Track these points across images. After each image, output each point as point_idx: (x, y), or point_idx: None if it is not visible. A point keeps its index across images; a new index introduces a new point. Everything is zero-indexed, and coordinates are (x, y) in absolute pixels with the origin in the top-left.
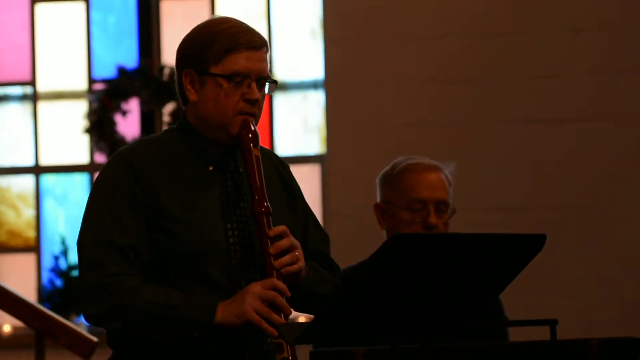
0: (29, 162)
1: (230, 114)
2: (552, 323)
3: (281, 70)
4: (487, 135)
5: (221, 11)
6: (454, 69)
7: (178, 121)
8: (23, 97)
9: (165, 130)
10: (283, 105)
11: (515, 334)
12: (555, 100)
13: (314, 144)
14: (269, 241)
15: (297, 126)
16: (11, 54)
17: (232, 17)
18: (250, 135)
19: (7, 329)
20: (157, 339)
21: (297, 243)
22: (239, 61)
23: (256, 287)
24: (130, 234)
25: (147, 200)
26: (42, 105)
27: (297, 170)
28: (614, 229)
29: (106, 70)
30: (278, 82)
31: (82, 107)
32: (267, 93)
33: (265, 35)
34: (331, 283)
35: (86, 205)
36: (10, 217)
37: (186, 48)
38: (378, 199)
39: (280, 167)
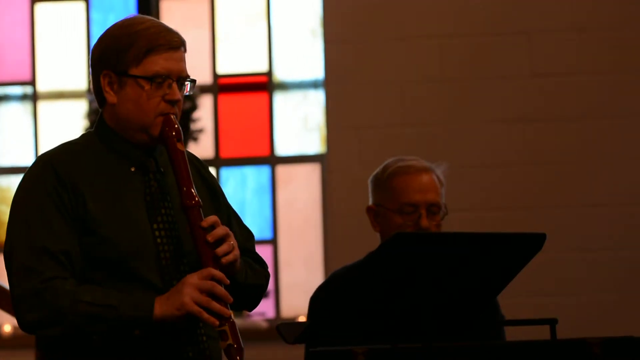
0: (29, 162)
1: (152, 116)
2: (552, 322)
3: (281, 69)
4: (486, 134)
5: (221, 11)
6: (454, 68)
7: (95, 124)
8: (23, 97)
9: (83, 135)
10: (283, 105)
11: (515, 334)
12: (554, 99)
13: (314, 144)
14: (204, 232)
15: (297, 126)
16: (11, 54)
17: (149, 17)
18: (174, 133)
19: (7, 329)
20: (97, 340)
21: (230, 232)
22: (159, 62)
23: (193, 278)
24: (61, 238)
25: (73, 203)
26: (42, 105)
27: (297, 170)
28: (614, 228)
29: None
30: (195, 80)
31: (82, 106)
32: (187, 93)
33: (265, 35)
34: (263, 275)
35: (11, 211)
36: None
37: (103, 49)
38: (370, 202)
39: (201, 167)
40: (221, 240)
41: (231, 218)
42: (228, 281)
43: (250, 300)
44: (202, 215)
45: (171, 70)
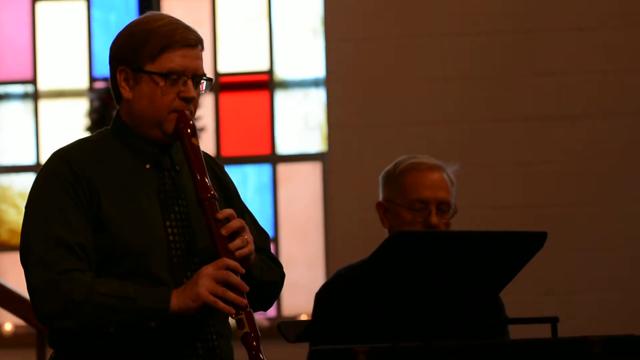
0: (30, 160)
1: (165, 112)
2: (553, 321)
3: (282, 68)
4: (488, 133)
5: (222, 9)
6: (455, 67)
7: (112, 121)
8: (24, 96)
9: (100, 131)
10: (284, 103)
11: (517, 332)
12: (556, 98)
13: (315, 142)
14: (219, 224)
15: (298, 124)
16: (12, 53)
17: (166, 14)
18: (188, 130)
19: (8, 327)
20: (114, 332)
21: (246, 226)
22: (175, 59)
23: (208, 269)
24: (77, 232)
25: (88, 198)
26: (43, 103)
27: (298, 169)
28: (614, 227)
29: (107, 68)
30: (211, 79)
31: (83, 105)
32: (203, 91)
33: (266, 33)
34: (278, 272)
35: (27, 206)
36: (11, 215)
37: (120, 45)
38: (380, 197)
39: (215, 167)
40: (236, 233)
41: (246, 218)
42: (243, 270)
43: (266, 298)
44: (218, 208)
45: (186, 68)
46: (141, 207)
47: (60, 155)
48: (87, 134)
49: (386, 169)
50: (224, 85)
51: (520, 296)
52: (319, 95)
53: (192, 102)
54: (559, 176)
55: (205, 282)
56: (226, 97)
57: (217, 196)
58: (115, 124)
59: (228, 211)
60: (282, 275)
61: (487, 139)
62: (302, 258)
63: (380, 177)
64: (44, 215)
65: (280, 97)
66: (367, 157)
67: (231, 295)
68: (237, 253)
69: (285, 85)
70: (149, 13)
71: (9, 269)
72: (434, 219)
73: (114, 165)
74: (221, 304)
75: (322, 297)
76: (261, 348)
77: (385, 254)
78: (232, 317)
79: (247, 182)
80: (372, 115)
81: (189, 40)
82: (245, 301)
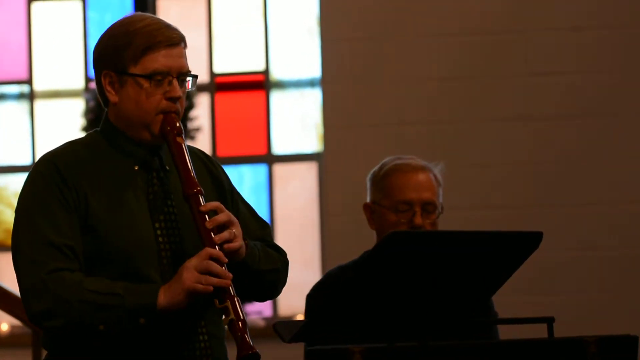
0: (26, 161)
1: (152, 114)
2: (549, 321)
3: (278, 68)
4: (484, 133)
5: (218, 10)
6: (451, 67)
7: (100, 123)
8: (20, 96)
9: (89, 133)
10: (280, 104)
11: (512, 332)
12: (553, 98)
13: (311, 142)
14: (204, 217)
15: (294, 124)
16: (8, 53)
17: (148, 15)
18: (175, 131)
19: (4, 327)
20: (103, 330)
21: (234, 219)
22: (158, 59)
23: (191, 261)
24: (65, 234)
25: (76, 200)
26: (38, 104)
27: (294, 169)
28: (611, 227)
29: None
30: (196, 76)
31: (79, 105)
32: (189, 88)
33: (262, 33)
34: (278, 259)
35: (17, 209)
36: (7, 215)
37: (103, 48)
38: (367, 199)
39: (208, 163)
40: (223, 226)
41: (242, 207)
42: (226, 259)
43: (269, 287)
44: (203, 202)
45: (171, 67)
46: (130, 208)
47: (47, 158)
48: (82, 134)
49: (372, 170)
50: (220, 85)
51: (516, 296)
52: (315, 96)
53: (179, 101)
54: (555, 176)
55: (189, 274)
56: (222, 98)
57: (203, 192)
58: (103, 126)
59: (214, 204)
60: (285, 262)
61: (483, 139)
62: (298, 258)
63: (367, 179)
64: (32, 217)
65: (276, 97)
66: (363, 158)
67: (213, 280)
68: (226, 247)
69: (281, 85)
70: (130, 14)
71: (5, 269)
72: (419, 220)
73: (102, 167)
74: (203, 288)
75: (314, 298)
76: (248, 332)
77: (380, 254)
78: (217, 306)
79: (243, 182)
80: (368, 116)
81: (171, 39)
82: (228, 282)
